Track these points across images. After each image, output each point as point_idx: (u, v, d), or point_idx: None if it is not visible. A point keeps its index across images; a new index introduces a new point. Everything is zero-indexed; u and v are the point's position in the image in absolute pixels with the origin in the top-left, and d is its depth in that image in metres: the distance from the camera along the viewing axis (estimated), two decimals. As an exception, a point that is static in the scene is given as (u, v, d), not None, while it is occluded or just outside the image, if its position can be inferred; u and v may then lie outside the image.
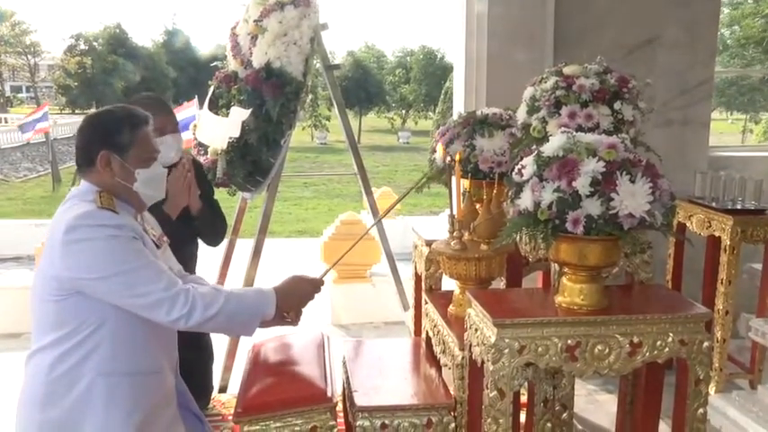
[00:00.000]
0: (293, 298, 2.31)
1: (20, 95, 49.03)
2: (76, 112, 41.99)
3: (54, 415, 1.91)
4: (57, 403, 1.91)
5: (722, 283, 3.32)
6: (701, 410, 1.94)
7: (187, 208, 2.93)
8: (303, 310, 2.39)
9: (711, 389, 3.29)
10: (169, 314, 1.91)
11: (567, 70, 2.34)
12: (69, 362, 1.91)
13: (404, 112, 44.43)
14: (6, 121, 30.94)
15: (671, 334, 1.87)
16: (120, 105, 2.13)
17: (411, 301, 3.33)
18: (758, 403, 2.99)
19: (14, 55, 42.04)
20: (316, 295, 2.42)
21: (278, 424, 2.25)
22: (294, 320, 2.38)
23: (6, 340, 4.58)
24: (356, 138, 4.32)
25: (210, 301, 1.98)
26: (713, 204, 3.41)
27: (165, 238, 2.25)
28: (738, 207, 3.35)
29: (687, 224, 3.55)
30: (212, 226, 3.17)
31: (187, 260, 3.10)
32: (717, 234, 3.34)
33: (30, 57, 42.52)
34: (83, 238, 1.86)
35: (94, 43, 40.49)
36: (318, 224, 12.78)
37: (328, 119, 33.91)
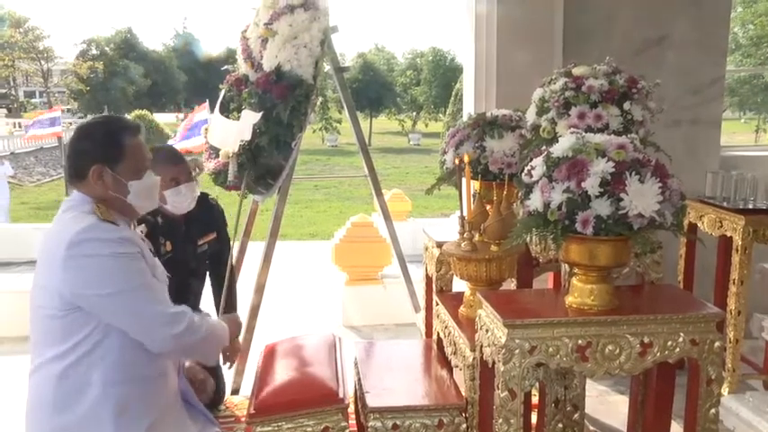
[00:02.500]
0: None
1: (33, 101, 49.43)
2: (89, 116, 42.33)
3: (65, 421, 1.92)
4: (68, 410, 1.92)
5: (734, 283, 3.30)
6: (712, 411, 1.93)
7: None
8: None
9: (724, 390, 3.27)
10: (171, 327, 1.93)
11: (577, 71, 2.35)
12: (78, 371, 1.91)
13: (414, 114, 44.43)
14: (20, 126, 31.16)
15: (682, 334, 1.87)
16: (110, 116, 2.14)
17: (422, 303, 3.33)
18: (771, 404, 2.98)
19: (28, 60, 42.36)
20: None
21: (290, 425, 2.28)
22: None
23: (22, 343, 4.61)
24: (367, 140, 4.33)
25: (198, 328, 2.02)
26: (724, 204, 3.39)
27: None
28: (750, 207, 3.33)
29: (698, 224, 3.53)
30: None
31: (191, 296, 3.23)
32: (728, 234, 3.32)
33: (43, 62, 42.78)
34: (87, 254, 1.85)
35: (106, 48, 40.83)
36: (329, 227, 12.80)
37: (339, 121, 33.99)
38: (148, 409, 1.99)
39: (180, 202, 3.04)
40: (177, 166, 3.03)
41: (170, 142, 9.09)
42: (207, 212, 3.31)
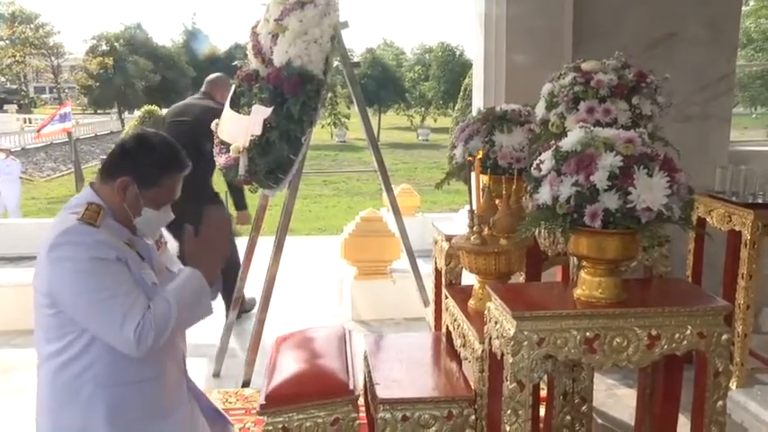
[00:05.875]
0: (211, 264, 2.08)
1: (43, 96, 49.69)
2: (98, 112, 42.49)
3: (61, 420, 1.94)
4: (62, 409, 1.93)
5: (743, 277, 3.30)
6: (720, 403, 1.95)
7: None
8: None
9: (733, 384, 3.28)
10: (138, 347, 1.83)
11: (586, 66, 2.36)
12: (70, 371, 1.91)
13: (423, 109, 44.36)
14: (30, 122, 31.34)
15: (689, 327, 1.88)
16: (171, 143, 2.09)
17: (431, 297, 3.36)
18: (780, 398, 2.99)
19: (38, 56, 42.59)
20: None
21: (301, 416, 2.30)
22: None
23: (31, 336, 4.67)
24: (375, 136, 4.35)
25: (165, 323, 1.88)
26: (733, 199, 3.39)
27: (165, 239, 2.23)
28: (759, 201, 3.33)
29: (707, 219, 3.54)
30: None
31: None
32: (737, 229, 3.32)
33: (53, 58, 43.05)
34: (64, 257, 1.85)
35: (115, 44, 40.92)
36: (338, 222, 12.82)
37: (348, 117, 33.99)
38: (145, 412, 1.98)
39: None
40: None
41: None
42: None
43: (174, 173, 2.04)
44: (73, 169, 22.11)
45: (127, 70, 39.57)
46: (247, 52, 3.86)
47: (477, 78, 4.27)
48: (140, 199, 1.99)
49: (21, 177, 14.94)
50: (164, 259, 2.19)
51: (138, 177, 1.98)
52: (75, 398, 1.92)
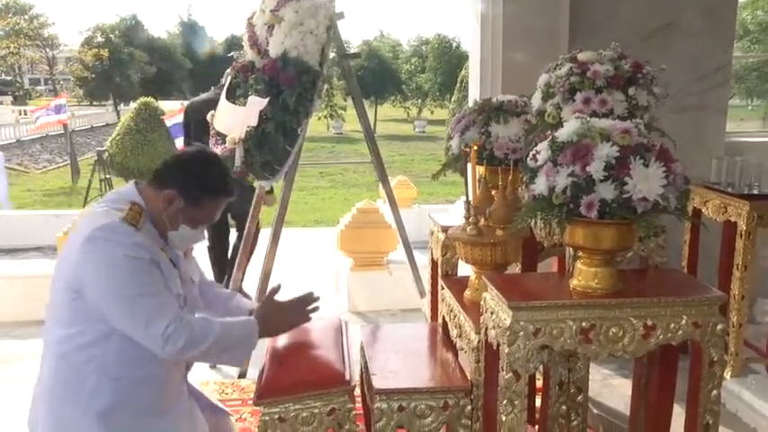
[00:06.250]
0: (273, 330, 2.31)
1: (38, 88, 49.48)
2: (94, 103, 42.31)
3: (65, 410, 1.94)
4: (66, 399, 1.94)
5: (738, 268, 3.32)
6: (714, 392, 1.96)
7: None
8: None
9: (727, 373, 3.30)
10: (163, 348, 1.89)
11: (582, 56, 2.35)
12: (77, 358, 1.92)
13: (420, 101, 44.26)
14: (25, 113, 31.20)
15: (684, 317, 1.88)
16: (225, 169, 2.17)
17: (427, 288, 3.36)
18: (774, 388, 3.00)
19: (33, 48, 42.36)
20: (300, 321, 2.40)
21: (297, 406, 2.30)
22: None
23: (30, 327, 4.68)
24: (372, 127, 4.35)
25: (200, 340, 1.95)
26: (729, 190, 3.40)
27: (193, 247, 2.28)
28: (755, 192, 3.34)
29: (703, 210, 3.55)
30: None
31: None
32: (733, 219, 3.33)
33: (48, 49, 42.80)
34: (99, 250, 1.87)
35: (111, 35, 40.70)
36: (335, 213, 12.82)
37: (344, 108, 33.91)
38: (145, 408, 2.00)
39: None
40: None
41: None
42: None
43: (219, 199, 2.10)
44: (69, 161, 22.03)
45: (123, 62, 39.37)
46: (243, 43, 3.85)
47: (473, 69, 4.26)
48: (180, 215, 2.03)
49: (15, 169, 14.86)
50: (189, 268, 2.23)
51: (185, 194, 2.02)
52: (79, 387, 1.93)
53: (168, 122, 10.08)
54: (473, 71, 4.26)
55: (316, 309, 2.41)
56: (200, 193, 2.04)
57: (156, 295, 1.91)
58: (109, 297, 1.88)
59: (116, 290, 1.87)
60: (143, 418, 2.00)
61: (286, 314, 2.32)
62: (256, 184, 3.84)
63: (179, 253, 2.14)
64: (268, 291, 2.38)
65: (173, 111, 10.80)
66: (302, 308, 2.37)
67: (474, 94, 4.13)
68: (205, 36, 46.34)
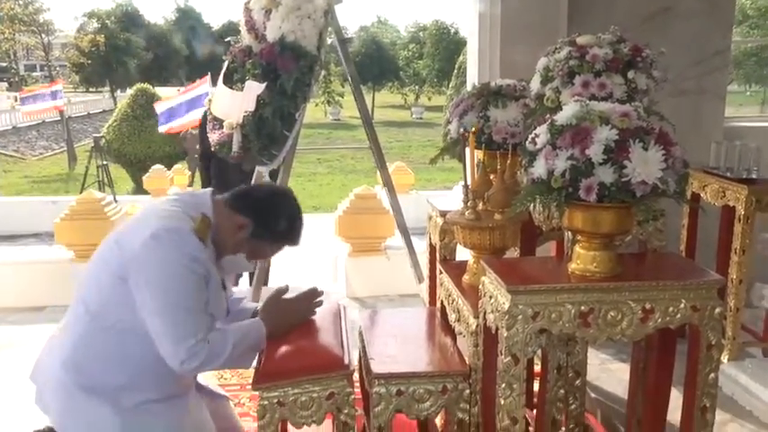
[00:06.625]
0: (281, 331, 2.35)
1: (34, 74, 49.19)
2: (90, 90, 42.13)
3: (74, 382, 1.96)
4: (77, 375, 1.96)
5: (736, 252, 3.32)
6: (712, 375, 1.96)
7: None
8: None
9: (724, 357, 3.31)
10: (180, 365, 1.94)
11: (581, 40, 2.34)
12: (97, 339, 1.96)
13: (417, 87, 44.14)
14: (21, 100, 31.03)
15: (683, 300, 1.88)
16: (299, 216, 2.23)
17: (425, 273, 3.36)
18: (771, 371, 3.02)
19: (28, 34, 42.07)
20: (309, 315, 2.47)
21: (296, 390, 2.30)
22: None
23: (29, 313, 4.68)
24: (370, 113, 4.34)
25: (215, 359, 2.01)
26: (728, 174, 3.39)
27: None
28: (753, 177, 3.33)
29: (701, 194, 3.54)
30: None
31: None
32: (731, 204, 3.33)
33: (43, 35, 42.51)
34: (161, 250, 1.89)
35: (107, 21, 40.47)
36: (332, 200, 12.82)
37: (342, 95, 33.81)
38: (155, 391, 2.04)
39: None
40: None
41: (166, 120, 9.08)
42: None
43: (284, 244, 2.20)
44: (65, 148, 21.96)
45: (119, 48, 39.19)
46: (240, 28, 3.83)
47: (471, 53, 4.24)
48: (243, 242, 2.09)
49: (12, 155, 14.82)
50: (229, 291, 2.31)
51: (256, 226, 2.09)
52: (96, 365, 1.96)
53: (158, 108, 9.79)
54: (471, 57, 4.24)
55: (320, 303, 2.48)
56: (269, 233, 2.12)
57: (195, 313, 1.94)
58: (152, 295, 1.90)
59: (161, 292, 1.89)
60: (152, 402, 2.03)
61: (292, 313, 2.40)
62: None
63: (229, 276, 2.21)
64: (275, 291, 2.42)
65: (169, 97, 10.65)
66: (307, 304, 2.44)
67: (473, 77, 4.11)
68: (202, 25, 46.00)
